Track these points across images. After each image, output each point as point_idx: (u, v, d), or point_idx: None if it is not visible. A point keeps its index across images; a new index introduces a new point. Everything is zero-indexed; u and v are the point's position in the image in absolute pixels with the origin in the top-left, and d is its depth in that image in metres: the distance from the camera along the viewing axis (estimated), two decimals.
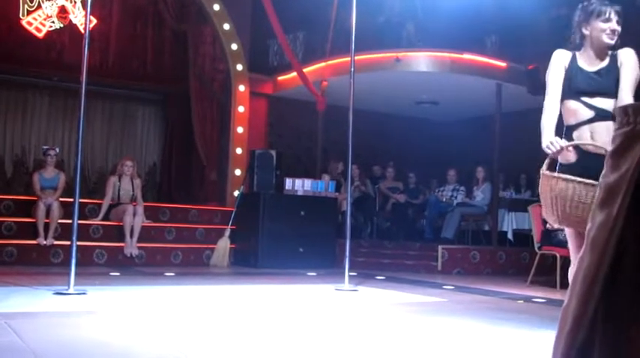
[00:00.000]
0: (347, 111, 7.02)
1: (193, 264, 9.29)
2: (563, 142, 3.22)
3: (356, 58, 7.24)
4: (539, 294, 6.89)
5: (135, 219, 8.88)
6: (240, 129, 11.67)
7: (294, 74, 11.15)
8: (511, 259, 9.95)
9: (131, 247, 8.84)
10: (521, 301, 6.39)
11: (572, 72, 3.39)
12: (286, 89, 11.67)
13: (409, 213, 11.39)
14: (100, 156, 12.50)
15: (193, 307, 5.10)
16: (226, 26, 11.72)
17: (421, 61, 10.39)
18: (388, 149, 12.03)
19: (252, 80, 11.90)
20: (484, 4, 10.52)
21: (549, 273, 7.89)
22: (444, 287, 7.38)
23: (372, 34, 10.30)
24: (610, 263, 1.64)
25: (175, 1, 11.64)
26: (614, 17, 3.30)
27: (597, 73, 3.33)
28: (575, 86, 3.36)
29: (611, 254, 1.65)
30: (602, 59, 3.35)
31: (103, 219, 9.15)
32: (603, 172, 1.73)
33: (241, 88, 11.81)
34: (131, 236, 8.84)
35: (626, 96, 3.15)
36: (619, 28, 3.31)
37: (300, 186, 9.61)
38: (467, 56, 10.39)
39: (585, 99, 3.30)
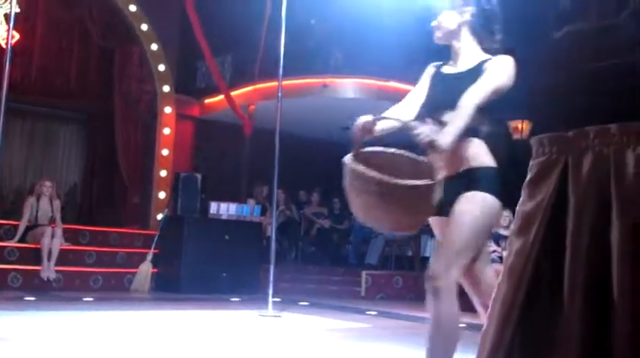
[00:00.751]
0: (274, 135, 7.01)
1: (114, 289, 9.03)
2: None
3: (284, 82, 7.27)
4: (462, 320, 6.98)
5: (53, 241, 8.59)
6: (165, 152, 11.51)
7: (221, 97, 11.11)
8: None
9: (48, 270, 8.53)
10: None
11: None
12: (213, 112, 11.60)
13: (334, 238, 11.44)
14: (18, 175, 12.08)
15: (112, 334, 4.95)
16: (154, 46, 11.59)
17: (348, 87, 10.52)
18: (314, 174, 12.06)
19: (179, 102, 11.79)
20: (410, 31, 10.74)
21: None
22: (368, 312, 7.41)
23: (300, 59, 10.37)
24: (526, 289, 1.68)
25: (103, 19, 11.45)
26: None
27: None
28: None
29: (528, 280, 1.68)
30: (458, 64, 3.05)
31: (19, 241, 8.81)
32: (520, 200, 1.78)
33: (168, 109, 11.67)
34: (49, 259, 8.53)
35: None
36: (439, 23, 3.05)
37: (225, 209, 9.52)
38: (393, 83, 10.57)
39: None
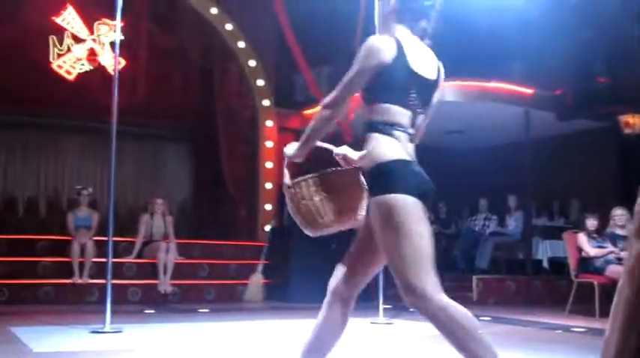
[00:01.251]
0: None
1: (227, 300, 9.29)
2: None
3: None
4: (579, 323, 6.76)
5: (168, 256, 8.93)
6: (269, 164, 11.73)
7: (320, 108, 11.22)
8: (547, 288, 9.80)
9: (165, 284, 8.88)
10: (560, 331, 6.28)
11: None
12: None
13: (441, 244, 11.31)
14: (131, 194, 12.63)
15: (230, 343, 5.09)
16: (252, 62, 11.86)
17: (448, 90, 10.39)
18: None
19: (280, 115, 11.99)
20: (508, 30, 10.53)
21: (588, 302, 7.75)
22: (480, 318, 7.26)
23: None
24: None
25: (201, 40, 11.81)
26: None
27: None
28: None
29: None
30: None
31: (136, 257, 9.21)
32: (638, 200, 1.71)
33: (269, 123, 11.91)
34: (164, 273, 8.88)
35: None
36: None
37: None
38: (493, 84, 10.38)
39: None
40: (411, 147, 2.74)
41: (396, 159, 2.62)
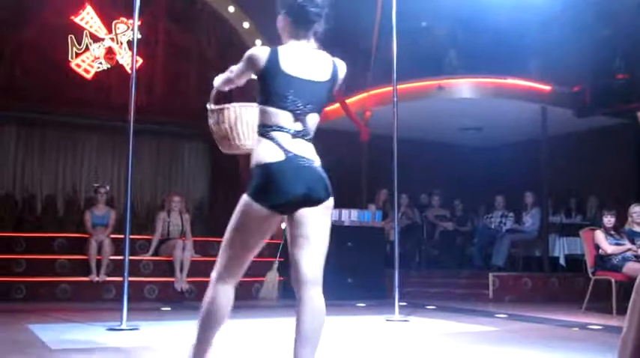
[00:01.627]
0: (391, 140, 7.02)
1: (242, 297, 9.28)
2: None
3: (398, 87, 7.26)
4: (595, 321, 6.72)
5: (184, 253, 8.97)
6: None
7: (337, 105, 11.22)
8: (564, 285, 9.75)
9: (181, 282, 8.92)
10: (577, 328, 6.24)
11: None
12: (329, 120, 11.72)
13: (457, 241, 11.28)
14: (149, 192, 12.70)
15: (246, 340, 5.11)
16: None
17: (464, 87, 10.36)
18: (433, 177, 11.95)
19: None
20: (526, 27, 10.48)
21: (605, 299, 7.70)
22: (497, 315, 7.26)
23: (413, 62, 10.31)
24: None
25: (218, 39, 11.85)
26: None
27: None
28: None
29: None
30: None
31: (153, 255, 9.26)
32: None
33: None
34: (181, 271, 8.93)
35: None
36: None
37: (346, 216, 9.61)
38: (510, 81, 10.33)
39: None
40: (297, 143, 2.95)
41: (262, 163, 2.91)
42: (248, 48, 11.21)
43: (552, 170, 10.43)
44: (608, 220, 7.88)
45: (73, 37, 11.21)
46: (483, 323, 6.41)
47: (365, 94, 10.91)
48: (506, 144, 12.62)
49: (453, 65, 11.12)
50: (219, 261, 3.10)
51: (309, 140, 3.00)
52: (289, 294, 9.31)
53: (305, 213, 2.96)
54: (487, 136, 12.32)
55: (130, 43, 11.30)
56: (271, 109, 2.94)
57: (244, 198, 3.01)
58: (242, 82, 3.32)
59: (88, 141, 12.38)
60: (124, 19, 11.48)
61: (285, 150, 2.89)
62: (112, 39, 11.47)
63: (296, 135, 2.94)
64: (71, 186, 12.17)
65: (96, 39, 11.36)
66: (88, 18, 11.26)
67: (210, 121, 3.71)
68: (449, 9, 10.90)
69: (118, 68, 11.45)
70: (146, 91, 11.58)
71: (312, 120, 3.02)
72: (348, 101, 10.95)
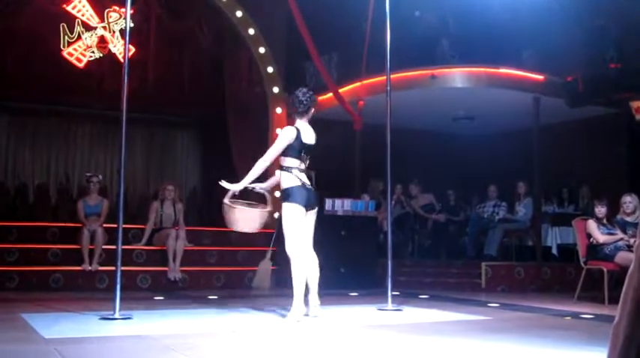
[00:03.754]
0: (384, 129, 7.01)
1: (236, 287, 9.33)
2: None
3: (391, 76, 7.25)
4: (587, 310, 6.76)
5: (177, 243, 8.97)
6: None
7: (330, 95, 11.21)
8: (556, 275, 9.79)
9: (174, 271, 8.92)
10: (569, 318, 6.28)
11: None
12: (323, 110, 11.70)
13: (450, 231, 11.30)
14: (141, 181, 12.69)
15: (240, 330, 5.12)
16: (262, 49, 11.84)
17: (457, 76, 10.36)
18: (426, 166, 11.96)
19: (289, 102, 11.96)
20: (519, 16, 10.47)
21: (596, 288, 7.75)
22: (489, 304, 7.29)
23: (407, 51, 10.30)
24: None
25: (211, 28, 11.79)
26: None
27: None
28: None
29: None
30: None
31: (146, 244, 9.26)
32: None
33: (278, 110, 11.91)
34: (174, 260, 8.93)
35: None
36: None
37: (339, 206, 9.60)
38: (503, 70, 10.33)
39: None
40: (302, 175, 5.71)
41: (291, 186, 5.66)
42: (241, 37, 11.18)
43: (545, 159, 10.46)
44: (599, 210, 7.91)
45: (65, 25, 11.15)
46: (476, 313, 6.43)
47: (358, 84, 10.90)
48: (499, 134, 12.65)
49: (446, 54, 11.10)
50: (296, 244, 5.65)
51: (307, 172, 5.77)
52: (282, 283, 9.34)
53: (309, 214, 5.75)
54: (480, 126, 12.33)
55: (122, 32, 11.25)
56: (293, 159, 5.71)
57: (291, 204, 5.61)
58: (281, 151, 5.76)
59: (80, 130, 12.35)
60: (116, 8, 11.42)
61: (300, 180, 5.69)
62: (105, 27, 11.41)
63: (302, 171, 5.75)
64: (64, 175, 12.14)
65: (88, 27, 11.30)
66: (80, 6, 11.20)
67: (224, 208, 6.14)
68: None
69: (110, 57, 11.41)
70: (139, 80, 11.53)
71: (307, 161, 5.78)
72: (341, 90, 10.94)
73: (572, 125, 11.52)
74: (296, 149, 5.63)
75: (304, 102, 5.75)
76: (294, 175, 5.62)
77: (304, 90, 5.87)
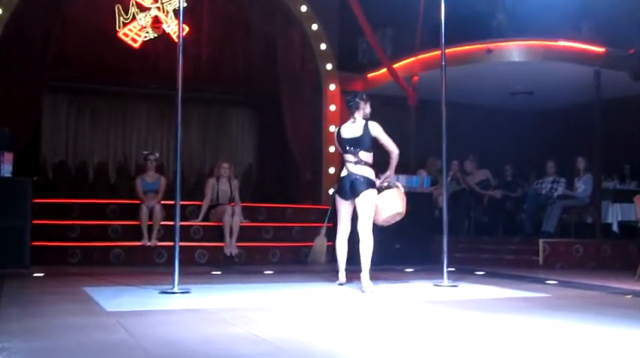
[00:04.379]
0: (439, 105, 6.93)
1: (291, 262, 9.42)
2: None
3: (446, 51, 7.14)
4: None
5: (233, 219, 9.08)
6: (332, 128, 11.72)
7: (384, 70, 11.12)
8: (617, 252, 9.57)
9: (231, 247, 9.04)
10: (630, 296, 6.13)
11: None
12: (377, 86, 11.64)
13: (507, 207, 11.13)
14: (197, 159, 12.85)
15: (295, 304, 5.16)
16: (314, 27, 11.80)
17: (513, 50, 10.16)
18: (483, 142, 11.77)
19: (343, 79, 11.95)
20: None
21: None
22: (547, 282, 7.17)
23: (461, 26, 10.12)
24: None
25: (263, 6, 11.79)
26: None
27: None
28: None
29: None
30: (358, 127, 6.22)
31: (202, 220, 9.40)
32: None
33: (332, 87, 11.88)
34: (230, 236, 9.04)
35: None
36: None
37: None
38: (562, 43, 10.08)
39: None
40: (353, 166, 6.17)
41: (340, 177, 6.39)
42: (293, 14, 11.23)
43: (606, 135, 10.19)
44: None
45: (120, 6, 11.29)
46: (534, 290, 6.34)
47: (412, 59, 10.78)
48: (557, 109, 12.37)
49: (502, 28, 10.88)
50: (369, 225, 6.10)
51: (364, 164, 6.16)
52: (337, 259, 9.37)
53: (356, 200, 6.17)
54: (538, 100, 12.08)
55: (175, 12, 11.34)
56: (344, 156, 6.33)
57: (375, 191, 6.20)
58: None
59: (137, 110, 12.55)
60: None
61: (348, 170, 6.20)
62: (159, 8, 11.52)
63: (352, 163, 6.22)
64: (122, 153, 12.38)
65: (142, 8, 11.42)
66: None
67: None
68: None
69: (164, 37, 11.51)
70: (193, 60, 11.63)
71: (364, 155, 6.16)
72: (395, 66, 10.84)
73: (635, 99, 11.18)
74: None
75: (350, 105, 6.32)
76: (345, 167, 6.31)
77: (348, 97, 6.42)
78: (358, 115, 6.20)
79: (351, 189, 6.11)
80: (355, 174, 6.08)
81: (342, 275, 6.45)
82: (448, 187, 7.89)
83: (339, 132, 6.25)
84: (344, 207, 6.30)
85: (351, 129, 6.18)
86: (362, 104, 6.22)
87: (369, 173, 6.13)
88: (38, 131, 11.23)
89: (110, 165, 12.30)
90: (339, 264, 6.42)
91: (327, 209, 9.85)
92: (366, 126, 6.12)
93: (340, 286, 6.35)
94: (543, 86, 11.18)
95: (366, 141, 6.12)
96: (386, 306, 5.18)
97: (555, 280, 7.29)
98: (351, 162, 6.13)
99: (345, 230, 6.35)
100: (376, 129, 6.15)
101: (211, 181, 9.59)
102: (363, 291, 5.90)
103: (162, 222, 8.81)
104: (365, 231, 6.09)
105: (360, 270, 6.05)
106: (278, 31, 11.97)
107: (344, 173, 6.22)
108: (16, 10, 9.86)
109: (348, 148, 6.14)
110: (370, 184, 6.10)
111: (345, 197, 6.21)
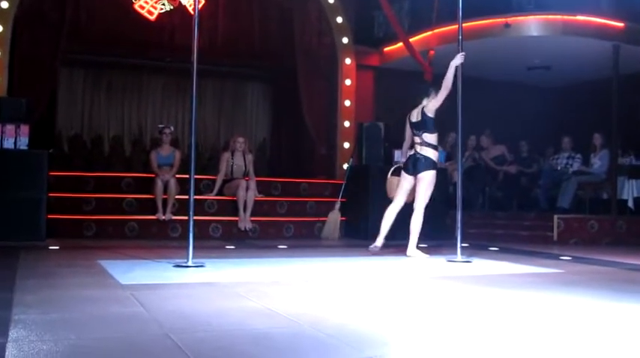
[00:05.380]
0: (455, 79, 6.87)
1: (305, 237, 9.44)
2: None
3: (464, 24, 7.06)
4: None
5: (248, 193, 9.09)
6: (347, 103, 11.69)
7: (400, 45, 11.03)
8: (632, 228, 9.52)
9: (245, 221, 9.07)
10: None
11: None
12: (393, 60, 11.56)
13: (522, 183, 11.07)
14: (212, 133, 12.87)
15: (309, 278, 5.18)
16: (331, 0, 11.71)
17: (532, 25, 10.04)
18: (499, 117, 11.69)
19: (359, 52, 11.87)
20: None
21: None
22: (561, 257, 7.15)
23: None
24: None
25: None
26: None
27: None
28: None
29: None
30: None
31: (217, 194, 9.42)
32: None
33: (347, 61, 11.81)
34: (244, 210, 9.07)
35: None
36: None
37: None
38: (580, 17, 9.94)
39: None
40: (419, 147, 6.91)
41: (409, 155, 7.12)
42: None
43: (623, 110, 10.08)
44: None
45: None
46: (548, 266, 6.33)
47: (429, 32, 10.68)
48: (575, 84, 12.24)
49: (522, 2, 10.74)
50: (424, 202, 6.89)
51: (427, 145, 6.88)
52: (351, 233, 9.41)
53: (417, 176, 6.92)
54: (555, 75, 11.95)
55: None
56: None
57: (435, 172, 6.90)
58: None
59: (152, 83, 12.56)
60: None
61: (415, 150, 6.92)
62: None
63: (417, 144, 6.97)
64: (137, 126, 12.41)
65: None
66: None
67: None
68: None
69: (180, 9, 11.45)
70: (209, 33, 11.57)
71: (427, 136, 6.89)
72: (411, 40, 10.75)
73: None
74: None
75: (422, 93, 7.15)
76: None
77: (424, 86, 7.59)
78: (426, 101, 6.93)
79: (413, 166, 6.91)
80: (419, 154, 6.86)
81: (380, 240, 7.12)
82: (463, 163, 7.86)
83: (409, 117, 7.05)
84: (405, 182, 7.03)
85: (415, 114, 6.97)
86: (433, 94, 6.88)
87: (432, 154, 6.84)
88: (54, 104, 11.24)
89: (125, 138, 12.35)
90: (381, 229, 7.10)
91: (342, 184, 9.88)
92: (422, 111, 6.87)
93: (373, 249, 7.08)
94: (561, 61, 11.06)
95: (427, 124, 6.84)
96: (399, 281, 5.19)
97: (569, 256, 7.28)
98: (417, 143, 6.92)
99: (399, 202, 7.10)
100: (427, 106, 6.87)
101: (226, 155, 9.60)
102: (407, 255, 6.89)
103: (176, 196, 8.84)
104: (419, 207, 6.88)
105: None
106: (294, 4, 11.88)
107: (412, 152, 6.99)
108: None
109: (414, 131, 6.96)
110: (430, 165, 6.82)
111: (407, 172, 6.99)
